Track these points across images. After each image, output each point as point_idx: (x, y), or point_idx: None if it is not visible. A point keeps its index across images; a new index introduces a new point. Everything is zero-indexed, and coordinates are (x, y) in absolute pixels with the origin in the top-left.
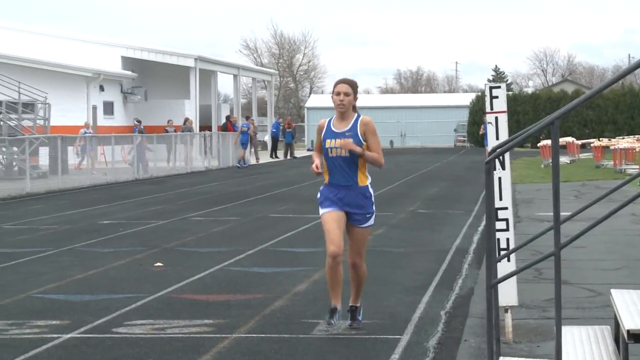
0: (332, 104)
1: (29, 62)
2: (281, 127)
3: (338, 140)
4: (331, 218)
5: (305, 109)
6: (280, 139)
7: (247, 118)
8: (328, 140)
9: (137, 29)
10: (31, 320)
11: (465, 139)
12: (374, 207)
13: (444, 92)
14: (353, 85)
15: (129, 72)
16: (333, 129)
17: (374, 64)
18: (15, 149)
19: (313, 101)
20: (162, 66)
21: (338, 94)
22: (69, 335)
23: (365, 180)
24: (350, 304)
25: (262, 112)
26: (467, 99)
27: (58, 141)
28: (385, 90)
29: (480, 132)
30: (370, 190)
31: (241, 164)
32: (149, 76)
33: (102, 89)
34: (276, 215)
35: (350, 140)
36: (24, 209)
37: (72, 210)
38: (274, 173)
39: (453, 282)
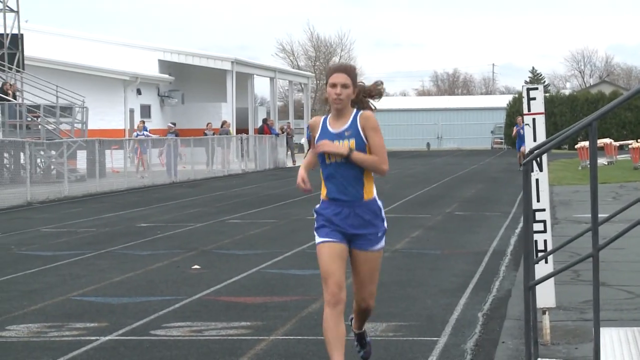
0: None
1: (67, 66)
2: None
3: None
4: (330, 253)
5: None
6: None
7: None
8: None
9: (173, 33)
10: (70, 322)
11: (503, 140)
12: (385, 224)
13: (481, 93)
14: (351, 72)
15: (166, 76)
16: (329, 128)
17: (410, 66)
18: (53, 152)
19: None
20: (199, 69)
21: (334, 85)
22: (107, 338)
23: (372, 191)
24: (354, 331)
25: (299, 115)
26: (504, 100)
27: (96, 144)
28: (422, 92)
29: (513, 135)
30: (379, 203)
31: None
32: (186, 79)
33: (139, 92)
34: (313, 217)
35: (327, 141)
36: (62, 212)
37: (110, 213)
38: (310, 175)
39: (490, 284)
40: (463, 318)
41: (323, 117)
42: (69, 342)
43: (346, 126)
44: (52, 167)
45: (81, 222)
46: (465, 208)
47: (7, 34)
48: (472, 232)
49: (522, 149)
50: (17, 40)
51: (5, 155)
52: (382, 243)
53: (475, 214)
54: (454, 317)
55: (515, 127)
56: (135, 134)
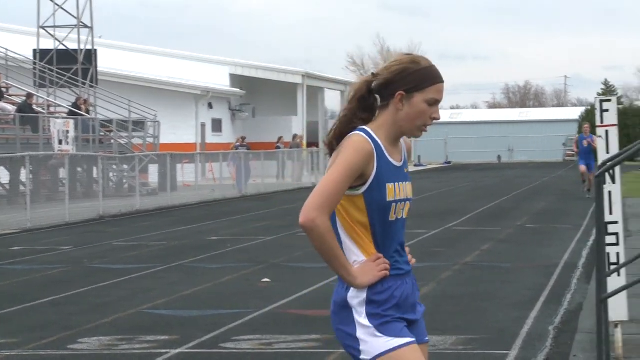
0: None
1: (139, 81)
2: None
3: (406, 205)
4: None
5: None
6: None
7: None
8: (391, 186)
9: (242, 47)
10: (140, 335)
11: (574, 153)
12: None
13: (553, 106)
14: None
15: (237, 90)
16: (391, 160)
17: (479, 78)
18: (125, 166)
19: None
20: (269, 83)
21: (435, 103)
22: (177, 351)
23: None
24: None
25: None
26: (576, 112)
27: (167, 158)
28: (493, 105)
29: (573, 151)
30: None
31: None
32: (256, 93)
33: (210, 106)
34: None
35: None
36: (134, 226)
37: (180, 227)
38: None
39: (562, 297)
40: (534, 331)
41: (371, 140)
42: (140, 355)
43: (403, 156)
44: (124, 181)
45: (152, 235)
46: (536, 221)
47: (82, 50)
48: (543, 245)
49: (584, 170)
50: (90, 55)
51: (79, 169)
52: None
53: (547, 226)
54: (525, 330)
55: (576, 136)
56: (235, 146)
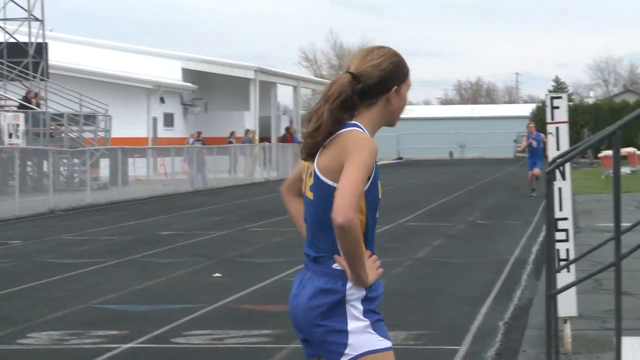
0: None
1: (90, 75)
2: None
3: None
4: None
5: None
6: None
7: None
8: (379, 183)
9: (195, 42)
10: (91, 330)
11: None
12: None
13: (504, 102)
14: None
15: (189, 84)
16: None
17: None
18: (76, 160)
19: None
20: (222, 78)
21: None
22: (128, 346)
23: None
24: None
25: None
26: (527, 109)
27: (118, 153)
28: (445, 102)
29: (523, 146)
30: None
31: None
32: (209, 88)
33: (162, 100)
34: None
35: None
36: (85, 220)
37: (131, 221)
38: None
39: (512, 293)
40: (484, 327)
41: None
42: (90, 350)
43: None
44: (75, 175)
45: (103, 230)
46: (487, 217)
47: (32, 43)
48: (494, 240)
49: (535, 171)
50: (41, 49)
51: (29, 163)
52: None
53: (498, 222)
54: (475, 325)
55: (525, 137)
56: (190, 141)
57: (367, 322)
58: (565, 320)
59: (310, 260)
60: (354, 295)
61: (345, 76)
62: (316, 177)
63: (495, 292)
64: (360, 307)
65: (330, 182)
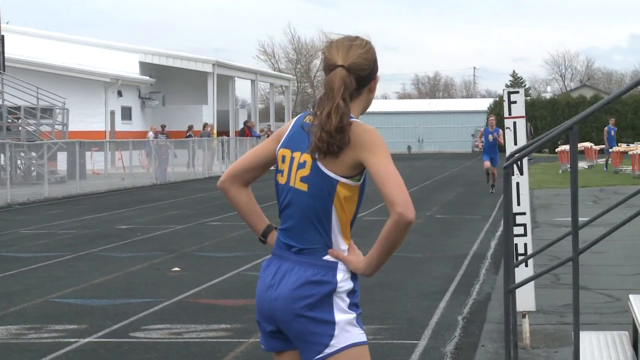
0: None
1: (47, 68)
2: None
3: None
4: None
5: None
6: None
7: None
8: None
9: (152, 35)
10: (49, 324)
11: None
12: None
13: (462, 97)
14: None
15: (147, 78)
16: None
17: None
18: (33, 154)
19: None
20: (180, 71)
21: None
22: (86, 340)
23: None
24: None
25: (280, 118)
26: (484, 104)
27: (76, 146)
28: (403, 96)
29: (479, 138)
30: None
31: None
32: (167, 81)
33: (120, 94)
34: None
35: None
36: (42, 214)
37: (90, 215)
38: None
39: (470, 288)
40: (443, 321)
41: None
42: (48, 344)
43: None
44: (33, 168)
45: (61, 223)
46: (445, 211)
47: None
48: (453, 235)
49: (492, 169)
50: None
51: None
52: None
53: (456, 217)
54: (434, 320)
55: (482, 130)
56: (150, 134)
57: (353, 315)
58: (523, 314)
59: (291, 252)
60: (343, 287)
61: (340, 70)
62: (316, 168)
63: (453, 286)
64: (347, 299)
65: (332, 175)
